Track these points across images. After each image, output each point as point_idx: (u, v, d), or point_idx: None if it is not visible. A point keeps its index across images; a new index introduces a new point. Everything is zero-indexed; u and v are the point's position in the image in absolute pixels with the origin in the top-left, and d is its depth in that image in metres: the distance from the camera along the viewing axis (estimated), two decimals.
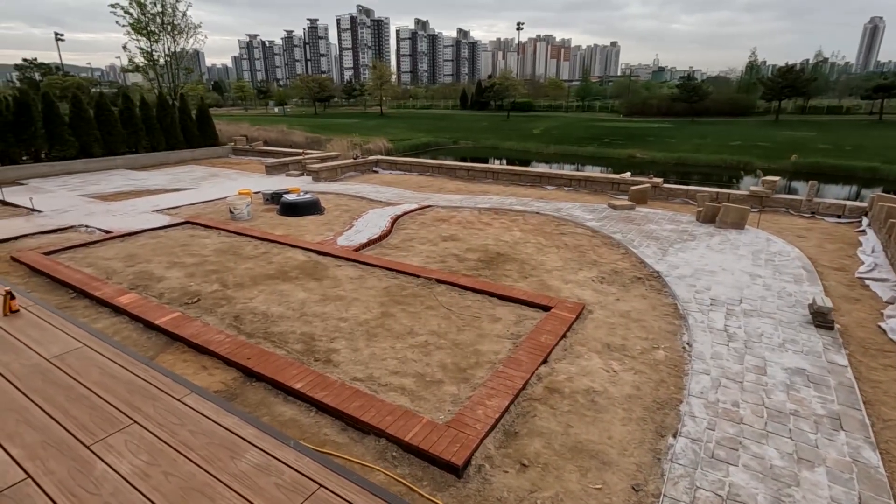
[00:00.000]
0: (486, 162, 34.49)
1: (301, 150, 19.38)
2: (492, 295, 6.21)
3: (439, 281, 6.63)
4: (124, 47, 23.57)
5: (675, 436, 3.61)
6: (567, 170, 28.31)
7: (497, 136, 51.29)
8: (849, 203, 9.89)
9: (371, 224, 9.48)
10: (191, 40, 24.25)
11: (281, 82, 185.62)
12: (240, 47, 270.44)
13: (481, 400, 4.01)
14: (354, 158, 16.15)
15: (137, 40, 23.03)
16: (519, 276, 6.96)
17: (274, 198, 11.26)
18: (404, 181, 14.80)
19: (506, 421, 3.85)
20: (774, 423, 3.71)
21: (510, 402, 4.01)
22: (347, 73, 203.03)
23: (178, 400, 2.90)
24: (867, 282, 6.55)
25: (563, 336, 5.14)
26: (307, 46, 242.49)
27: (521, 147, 46.04)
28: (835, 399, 3.99)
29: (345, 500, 2.17)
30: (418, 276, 6.79)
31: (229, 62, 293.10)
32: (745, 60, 75.90)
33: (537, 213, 10.33)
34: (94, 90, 41.68)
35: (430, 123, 61.49)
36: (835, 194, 25.63)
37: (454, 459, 3.33)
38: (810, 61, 76.89)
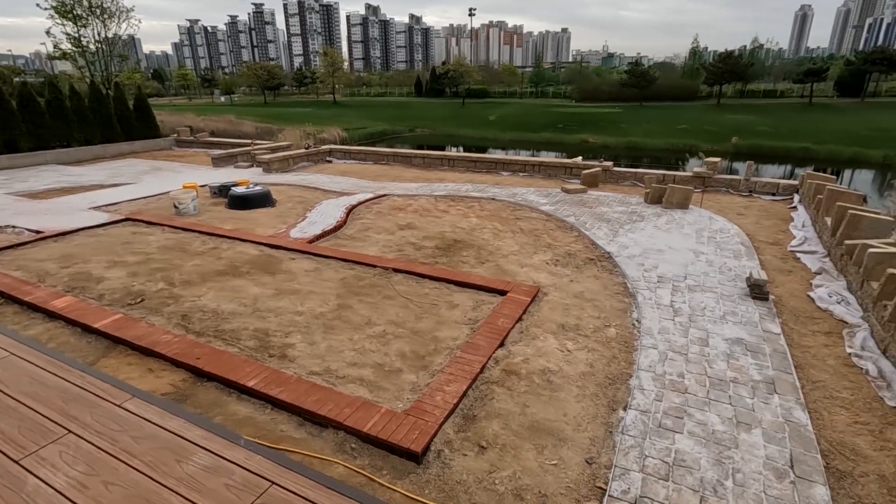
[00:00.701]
0: (444, 149, 34.54)
1: (250, 141, 18.67)
2: (449, 282, 6.23)
3: (396, 270, 6.58)
4: (48, 32, 21.75)
5: (625, 409, 3.76)
6: (523, 156, 28.65)
7: (454, 124, 51.24)
8: (782, 181, 10.53)
9: (325, 215, 9.28)
10: (123, 25, 22.63)
11: (227, 70, 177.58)
12: (180, 33, 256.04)
13: (440, 386, 4.04)
14: (306, 148, 15.71)
15: (63, 24, 21.28)
16: (476, 261, 7.01)
17: (222, 191, 10.81)
18: (359, 170, 14.55)
19: (464, 405, 3.90)
20: (716, 391, 3.93)
21: (468, 387, 4.06)
22: (297, 60, 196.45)
23: (119, 405, 2.75)
24: (798, 254, 7.01)
25: (520, 319, 5.23)
26: (253, 32, 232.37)
27: (479, 134, 46.24)
28: (769, 365, 4.27)
29: (298, 495, 2.13)
30: (375, 266, 6.72)
31: (170, 49, 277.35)
32: (688, 47, 78.84)
33: (493, 198, 10.42)
34: (16, 79, 38.43)
35: (386, 111, 60.61)
36: (773, 174, 27.21)
37: (413, 447, 3.34)
38: (748, 47, 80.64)
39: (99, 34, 22.22)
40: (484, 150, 36.95)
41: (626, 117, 48.61)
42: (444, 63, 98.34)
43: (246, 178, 12.30)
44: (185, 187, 10.78)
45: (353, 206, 9.94)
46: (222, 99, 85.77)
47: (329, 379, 4.26)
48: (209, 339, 4.92)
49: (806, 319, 5.22)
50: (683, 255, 6.90)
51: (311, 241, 7.82)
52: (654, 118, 47.16)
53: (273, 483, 2.21)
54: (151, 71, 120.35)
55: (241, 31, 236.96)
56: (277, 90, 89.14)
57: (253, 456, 2.38)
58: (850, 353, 4.52)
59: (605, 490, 3.03)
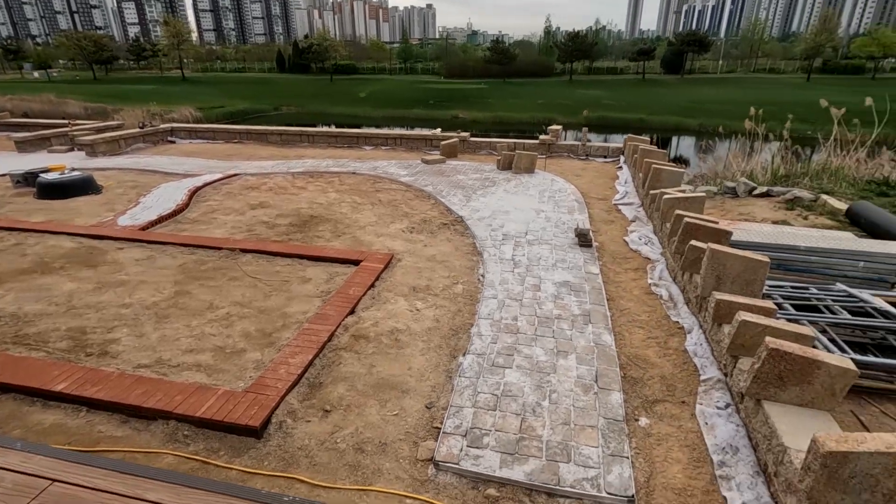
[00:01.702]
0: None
1: (68, 121, 15.93)
2: (302, 257, 6.05)
3: (245, 250, 6.20)
4: None
5: (464, 355, 4.03)
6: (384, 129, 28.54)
7: (323, 101, 49.21)
8: (612, 145, 11.94)
9: (164, 199, 8.36)
10: None
11: (38, 40, 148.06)
12: None
13: (285, 359, 3.94)
14: (141, 127, 13.88)
15: None
16: (332, 235, 6.89)
17: (28, 179, 9.14)
18: (208, 150, 13.29)
19: (311, 374, 3.86)
20: (543, 328, 4.40)
21: (315, 356, 4.02)
22: (133, 30, 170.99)
23: None
24: (620, 207, 8.05)
25: (372, 286, 5.28)
26: None
27: (350, 112, 45.10)
28: (588, 300, 4.88)
29: (83, 486, 1.95)
30: (220, 249, 6.26)
31: None
32: (542, 26, 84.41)
33: (354, 173, 10.26)
34: None
35: (246, 88, 56.01)
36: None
37: (251, 422, 3.24)
38: (593, 28, 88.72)
39: None
40: (358, 129, 36.23)
41: (492, 93, 50.85)
42: (306, 37, 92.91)
43: (61, 163, 10.51)
44: None
45: (198, 188, 9.08)
46: (35, 74, 71.68)
47: (160, 370, 3.91)
48: (6, 347, 4.20)
49: (621, 260, 6.04)
50: (526, 214, 7.50)
51: (144, 228, 7.00)
52: (517, 94, 50.04)
53: (54, 480, 1.99)
54: None
55: None
56: (110, 65, 76.96)
57: (31, 457, 2.11)
58: (650, 284, 5.34)
59: (441, 428, 3.25)
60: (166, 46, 71.82)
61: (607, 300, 4.94)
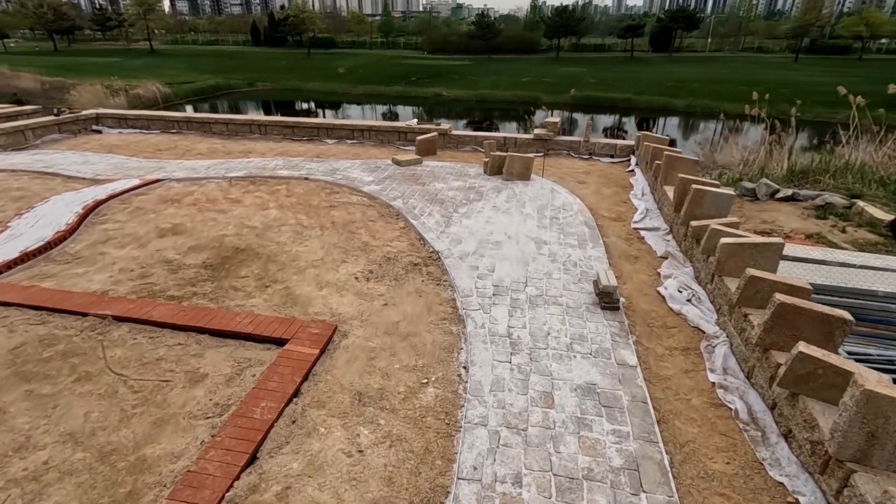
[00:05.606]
0: (293, 106, 31.46)
1: None
2: (203, 331, 4.14)
3: (120, 319, 4.27)
4: None
5: None
6: (363, 117, 26.31)
7: (298, 77, 46.17)
8: (619, 143, 10.06)
9: (46, 220, 6.31)
10: None
11: None
12: None
13: None
14: (56, 114, 11.51)
15: None
16: (258, 285, 4.97)
17: None
18: (137, 143, 11.04)
19: None
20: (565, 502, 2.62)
21: None
22: None
23: None
24: (642, 233, 6.26)
25: (295, 394, 3.44)
26: None
27: (327, 88, 42.30)
28: (630, 431, 3.10)
29: None
30: (86, 315, 4.32)
31: None
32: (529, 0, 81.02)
33: (307, 178, 8.25)
34: None
35: (218, 62, 52.46)
36: (604, 123, 28.84)
37: None
38: (579, 3, 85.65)
39: None
40: (337, 107, 34.45)
41: (475, 70, 48.34)
42: (283, 7, 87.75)
43: None
44: None
45: (101, 202, 7.03)
46: None
47: None
48: None
49: (660, 330, 4.27)
50: (524, 247, 5.66)
51: None
52: (500, 71, 47.60)
53: None
54: None
55: None
56: (72, 35, 71.76)
57: None
58: (713, 383, 3.60)
59: None
60: (133, 16, 66.80)
61: (658, 425, 3.18)
